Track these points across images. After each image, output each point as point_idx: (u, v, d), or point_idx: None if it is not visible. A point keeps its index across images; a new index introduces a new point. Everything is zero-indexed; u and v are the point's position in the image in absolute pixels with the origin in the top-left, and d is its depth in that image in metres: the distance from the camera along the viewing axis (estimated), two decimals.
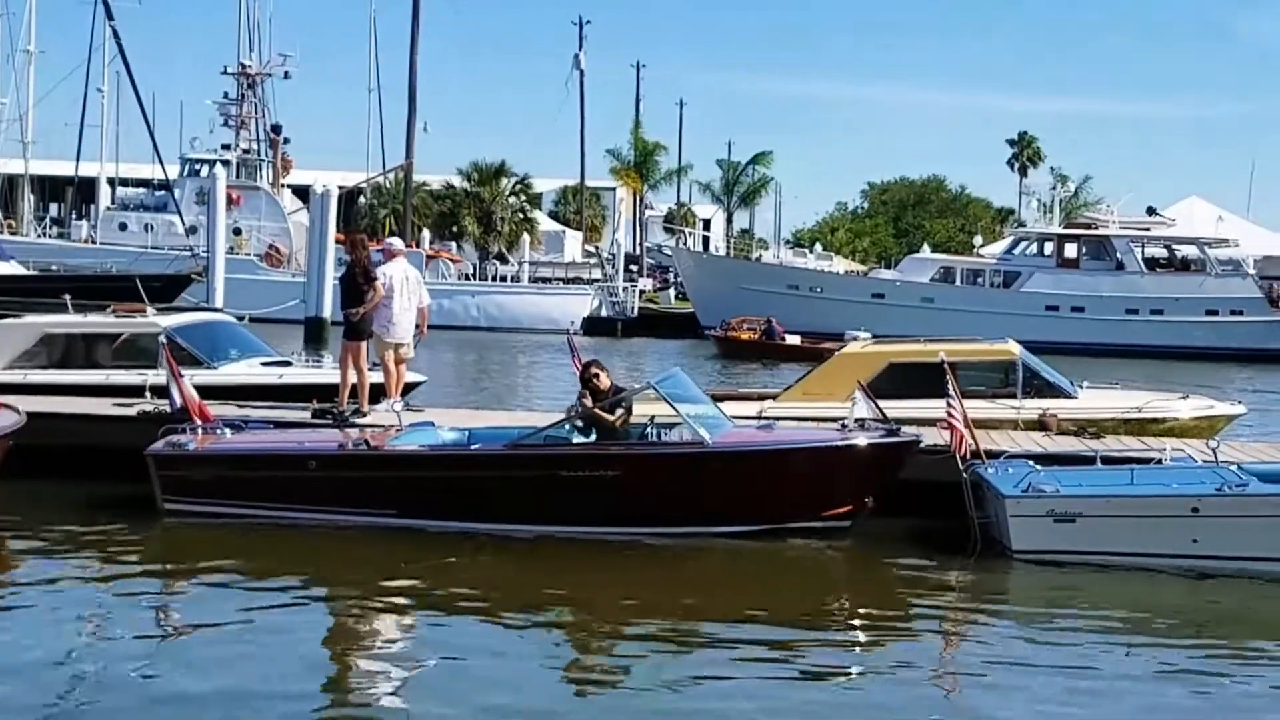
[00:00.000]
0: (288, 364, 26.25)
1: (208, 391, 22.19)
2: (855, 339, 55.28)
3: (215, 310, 35.23)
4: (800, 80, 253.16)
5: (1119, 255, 68.81)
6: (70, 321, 25.58)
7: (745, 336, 59.89)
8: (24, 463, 18.70)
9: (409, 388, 24.71)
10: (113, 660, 12.79)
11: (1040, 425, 22.03)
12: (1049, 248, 70.76)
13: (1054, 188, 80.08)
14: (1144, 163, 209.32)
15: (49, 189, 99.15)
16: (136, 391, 22.23)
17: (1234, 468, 17.79)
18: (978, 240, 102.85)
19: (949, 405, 18.09)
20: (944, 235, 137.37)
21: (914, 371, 22.10)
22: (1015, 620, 15.18)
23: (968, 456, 18.05)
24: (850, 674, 13.26)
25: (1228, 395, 29.53)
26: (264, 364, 25.48)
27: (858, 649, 14.31)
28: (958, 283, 71.11)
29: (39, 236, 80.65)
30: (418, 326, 22.56)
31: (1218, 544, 16.75)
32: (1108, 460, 18.73)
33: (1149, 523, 17.00)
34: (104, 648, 13.23)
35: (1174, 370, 48.08)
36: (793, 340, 58.74)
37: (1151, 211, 74.60)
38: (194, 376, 22.49)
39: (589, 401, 18.58)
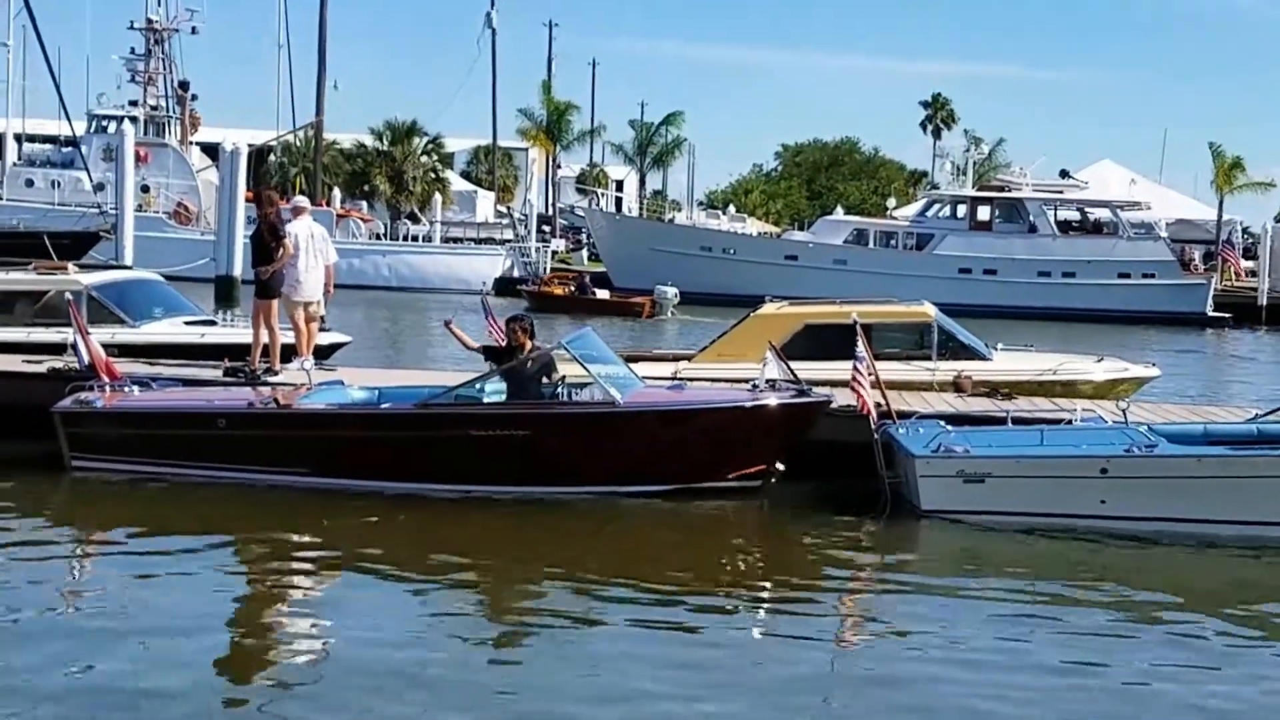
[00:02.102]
0: (212, 323, 26.11)
1: (129, 350, 22.29)
2: (663, 296, 56.89)
3: (126, 268, 34.89)
4: (714, 42, 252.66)
5: (1032, 218, 69.13)
6: None
7: (558, 291, 62.06)
8: None
9: (332, 348, 24.73)
10: (16, 621, 12.61)
11: (955, 387, 22.09)
12: (962, 210, 70.97)
13: (967, 150, 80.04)
14: (1057, 126, 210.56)
15: None
16: (58, 349, 21.91)
17: (1143, 429, 17.87)
18: (891, 202, 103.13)
19: (855, 368, 18.11)
20: (857, 197, 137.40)
21: (830, 333, 22.03)
22: (923, 581, 15.19)
23: (875, 418, 18.07)
24: (757, 635, 13.30)
25: (1141, 358, 29.73)
26: (187, 323, 25.30)
27: (766, 610, 14.31)
28: (871, 245, 71.23)
29: None
30: (325, 285, 22.38)
31: (1126, 505, 16.86)
32: (1019, 421, 18.83)
33: (1058, 483, 17.09)
34: (7, 607, 13.03)
35: (1086, 333, 48.42)
36: (602, 295, 61.80)
37: (1064, 174, 74.83)
38: (115, 334, 22.63)
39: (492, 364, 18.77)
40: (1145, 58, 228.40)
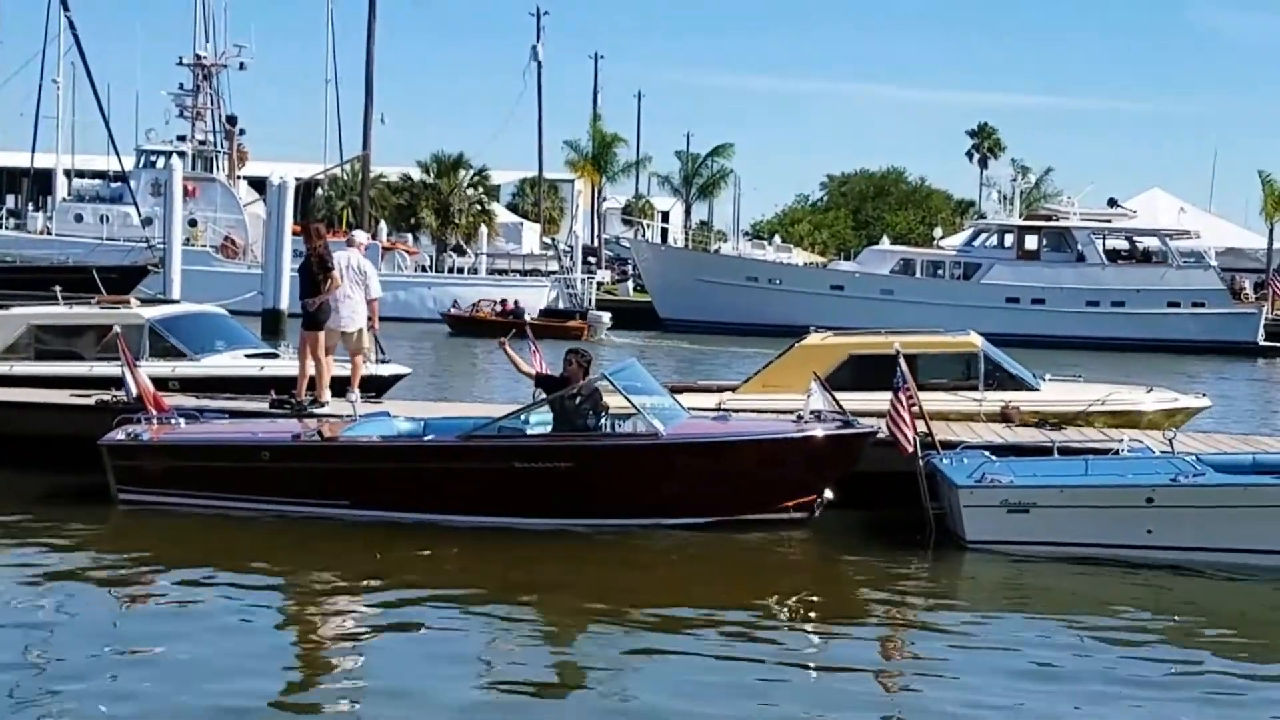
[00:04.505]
0: (274, 355, 26.10)
1: (190, 383, 22.51)
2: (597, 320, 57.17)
3: (174, 301, 35.08)
4: (759, 73, 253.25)
5: (1080, 247, 68.96)
6: (55, 314, 25.46)
7: (482, 315, 63.90)
8: None
9: (392, 380, 24.72)
10: (64, 652, 12.68)
11: (1003, 417, 21.96)
12: (1009, 239, 70.87)
13: (1015, 179, 79.88)
14: (1106, 155, 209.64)
15: (4, 180, 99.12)
16: (119, 383, 21.98)
17: (1191, 458, 17.75)
18: (938, 232, 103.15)
19: (893, 401, 18.00)
20: (904, 227, 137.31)
21: (875, 363, 21.81)
22: (968, 612, 15.11)
23: (911, 451, 17.93)
24: (803, 667, 13.20)
25: (1191, 388, 29.54)
26: (249, 355, 25.33)
27: (812, 642, 14.23)
28: (917, 275, 71.22)
29: None
30: (369, 319, 22.37)
31: (1173, 535, 16.73)
32: (1065, 451, 18.72)
33: (1103, 513, 16.98)
34: (54, 639, 13.09)
35: (1135, 362, 48.26)
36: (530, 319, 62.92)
37: (1113, 203, 74.60)
38: (176, 368, 22.83)
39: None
40: (1194, 86, 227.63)
